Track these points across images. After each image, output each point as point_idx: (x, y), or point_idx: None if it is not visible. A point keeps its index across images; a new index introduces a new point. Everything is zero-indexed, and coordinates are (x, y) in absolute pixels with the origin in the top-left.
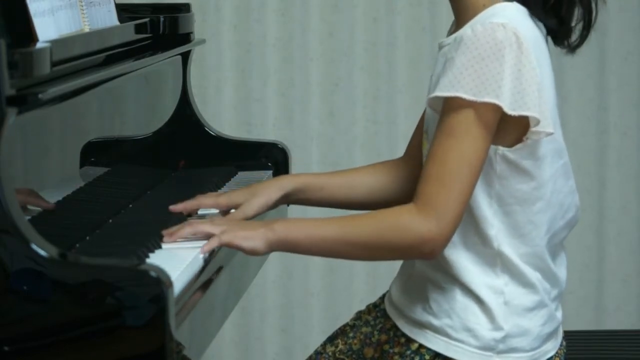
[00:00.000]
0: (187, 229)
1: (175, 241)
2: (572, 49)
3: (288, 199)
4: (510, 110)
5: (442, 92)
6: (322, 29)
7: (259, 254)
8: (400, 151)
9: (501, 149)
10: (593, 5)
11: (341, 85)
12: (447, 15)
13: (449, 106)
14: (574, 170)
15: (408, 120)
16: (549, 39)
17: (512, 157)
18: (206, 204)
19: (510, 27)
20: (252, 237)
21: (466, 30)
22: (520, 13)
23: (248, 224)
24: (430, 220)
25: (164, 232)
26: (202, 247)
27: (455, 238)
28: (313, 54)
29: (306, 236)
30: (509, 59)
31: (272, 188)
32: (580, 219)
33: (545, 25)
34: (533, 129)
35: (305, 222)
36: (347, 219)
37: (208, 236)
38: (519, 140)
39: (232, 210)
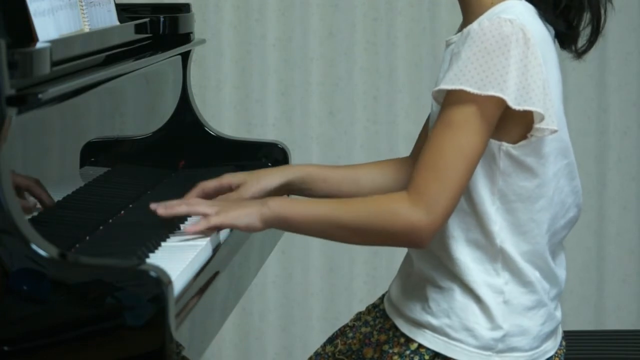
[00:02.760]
0: (183, 207)
1: (169, 214)
2: (580, 54)
3: (290, 187)
4: (514, 104)
5: (447, 85)
6: (322, 29)
7: (256, 231)
8: (400, 151)
9: (505, 145)
10: (602, 10)
11: (341, 85)
12: (447, 16)
13: (451, 98)
14: None
15: (408, 120)
16: (556, 42)
17: (516, 154)
18: (209, 185)
19: (518, 22)
20: (247, 214)
21: (473, 25)
22: (528, 11)
23: (242, 203)
24: (420, 209)
25: (159, 205)
26: (191, 225)
27: (459, 234)
28: (313, 54)
29: (299, 214)
30: (515, 53)
31: (275, 174)
32: (579, 219)
33: (554, 29)
34: (537, 125)
35: (300, 201)
36: (341, 201)
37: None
38: (523, 137)
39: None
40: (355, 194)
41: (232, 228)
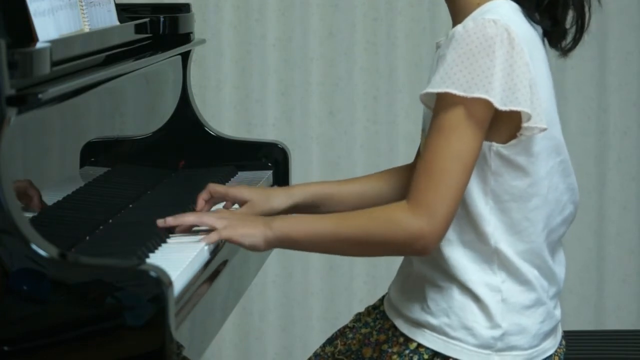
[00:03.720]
0: (191, 217)
1: (177, 225)
2: (565, 52)
3: (297, 209)
4: (500, 105)
5: (433, 88)
6: (322, 29)
7: (259, 251)
8: (400, 151)
9: (495, 145)
10: (586, 9)
11: (341, 85)
12: (447, 16)
13: (440, 103)
14: (574, 170)
15: (408, 120)
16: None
17: (506, 153)
18: (217, 191)
19: (502, 23)
20: (252, 235)
21: (458, 27)
22: (514, 11)
23: (249, 221)
24: (421, 217)
25: (170, 218)
26: (203, 238)
27: (453, 235)
28: (313, 54)
29: (303, 234)
30: (500, 54)
31: (282, 197)
32: (579, 218)
33: (540, 27)
34: (525, 124)
35: (303, 219)
36: (342, 216)
37: (209, 229)
38: (513, 136)
39: (236, 206)
40: (362, 207)
41: (237, 245)
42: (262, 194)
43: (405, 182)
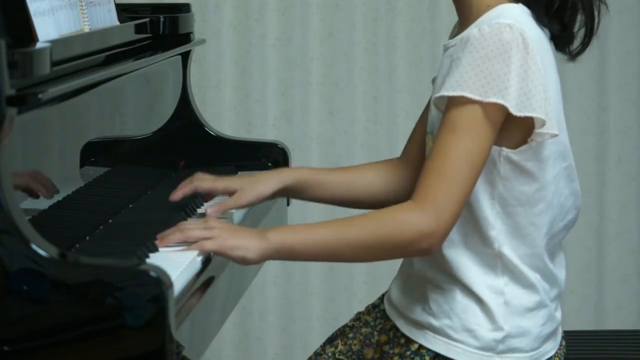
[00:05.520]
0: (177, 235)
1: (166, 246)
2: (573, 56)
3: (286, 192)
4: (515, 111)
5: (448, 91)
6: (322, 29)
7: (250, 264)
8: (400, 151)
9: (505, 150)
10: (595, 13)
11: (341, 85)
12: (447, 16)
13: (453, 104)
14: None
15: (408, 120)
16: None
17: (516, 159)
18: (203, 188)
19: (517, 28)
20: (243, 247)
21: (472, 30)
22: (525, 14)
23: (241, 232)
24: (429, 215)
25: (158, 236)
26: (187, 247)
27: (456, 238)
28: (313, 54)
29: (302, 241)
30: (516, 59)
31: (270, 180)
32: (579, 218)
33: (549, 31)
34: (538, 130)
35: (300, 228)
36: (344, 220)
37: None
38: (523, 141)
39: (220, 198)
40: (351, 197)
41: (226, 257)
42: (251, 180)
43: (393, 176)
